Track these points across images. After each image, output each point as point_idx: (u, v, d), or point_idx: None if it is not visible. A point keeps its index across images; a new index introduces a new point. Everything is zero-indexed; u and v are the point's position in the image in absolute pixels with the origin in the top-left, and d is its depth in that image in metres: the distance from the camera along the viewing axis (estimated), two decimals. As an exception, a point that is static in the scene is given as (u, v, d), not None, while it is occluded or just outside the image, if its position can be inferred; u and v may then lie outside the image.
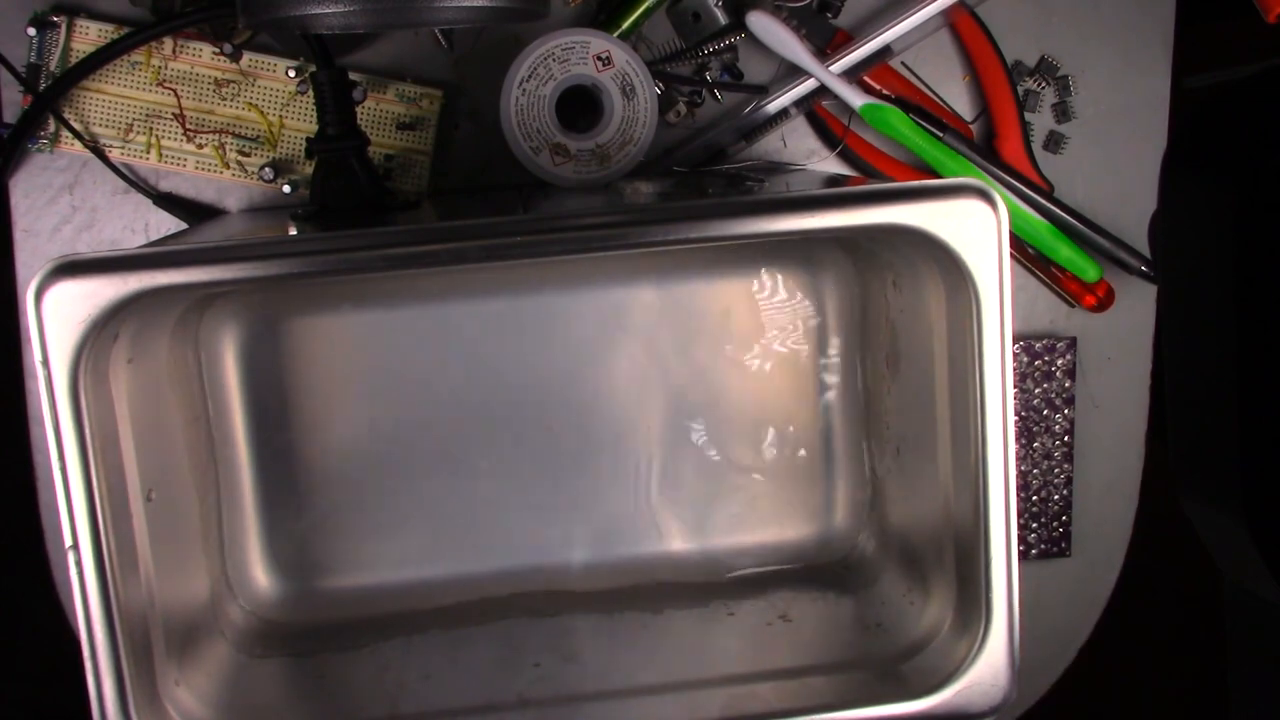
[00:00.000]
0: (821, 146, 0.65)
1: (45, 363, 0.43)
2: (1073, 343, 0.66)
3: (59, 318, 0.43)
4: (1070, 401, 0.67)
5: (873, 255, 0.58)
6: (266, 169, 0.60)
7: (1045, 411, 0.67)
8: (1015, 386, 0.58)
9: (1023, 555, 0.67)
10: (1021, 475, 0.67)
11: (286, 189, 0.61)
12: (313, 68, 0.55)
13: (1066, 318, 0.67)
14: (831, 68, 0.61)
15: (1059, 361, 0.66)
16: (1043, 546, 0.68)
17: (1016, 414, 0.65)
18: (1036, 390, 0.66)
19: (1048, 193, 0.64)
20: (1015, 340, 0.66)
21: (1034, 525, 0.68)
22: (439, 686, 0.54)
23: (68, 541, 0.45)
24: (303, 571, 0.61)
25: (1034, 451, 0.67)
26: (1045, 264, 0.65)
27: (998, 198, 0.46)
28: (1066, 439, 0.67)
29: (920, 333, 0.53)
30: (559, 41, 0.56)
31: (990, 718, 0.49)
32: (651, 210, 0.47)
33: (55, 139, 0.60)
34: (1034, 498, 0.67)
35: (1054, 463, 0.67)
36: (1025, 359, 0.66)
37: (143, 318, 0.49)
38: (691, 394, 0.62)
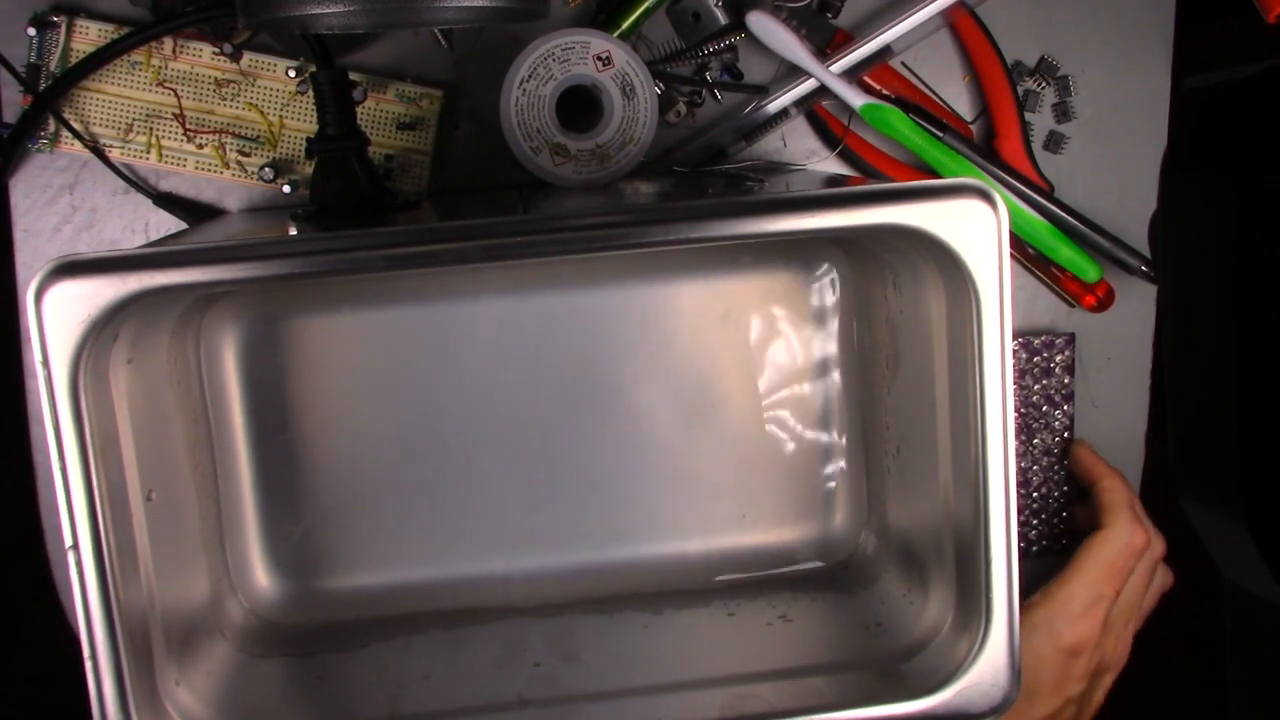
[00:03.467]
0: (821, 146, 0.65)
1: (45, 363, 0.43)
2: (1071, 338, 0.66)
3: (59, 318, 0.43)
4: (1070, 397, 0.67)
5: (873, 255, 0.58)
6: (266, 169, 0.60)
7: (1045, 408, 0.67)
8: (1014, 384, 0.58)
9: (1023, 552, 0.67)
10: (1021, 472, 0.67)
11: (286, 189, 0.61)
12: (313, 68, 0.55)
13: (1066, 317, 0.67)
14: (831, 68, 0.61)
15: (1058, 358, 0.66)
16: (1044, 543, 0.68)
17: (1016, 411, 0.65)
18: (1035, 387, 0.66)
19: (1048, 193, 0.64)
20: (1014, 337, 0.66)
21: (1034, 522, 0.68)
22: (439, 686, 0.54)
23: (68, 541, 0.45)
24: (303, 571, 0.61)
25: (1034, 448, 0.67)
26: (1045, 264, 0.65)
27: (998, 198, 0.46)
28: (1066, 435, 0.67)
29: (920, 333, 0.53)
30: (559, 41, 0.56)
31: (990, 718, 0.49)
32: (651, 210, 0.46)
33: (55, 139, 0.60)
34: (1034, 494, 0.67)
35: (1054, 459, 0.67)
36: (1024, 355, 0.66)
37: (143, 318, 0.49)
38: (691, 395, 0.62)
